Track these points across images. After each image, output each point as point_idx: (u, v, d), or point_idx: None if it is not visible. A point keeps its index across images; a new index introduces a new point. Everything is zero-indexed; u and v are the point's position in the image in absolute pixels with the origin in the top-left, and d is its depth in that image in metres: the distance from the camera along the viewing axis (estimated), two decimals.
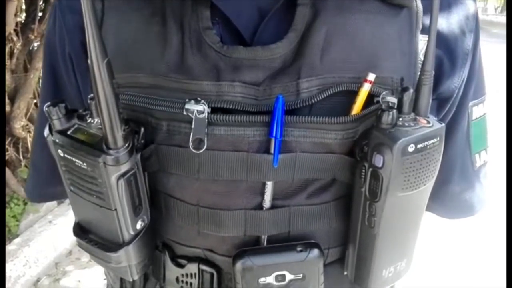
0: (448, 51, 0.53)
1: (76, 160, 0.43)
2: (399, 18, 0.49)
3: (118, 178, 0.43)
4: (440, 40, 0.49)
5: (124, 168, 0.43)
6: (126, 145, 0.43)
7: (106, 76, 0.39)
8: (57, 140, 0.44)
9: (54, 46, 0.56)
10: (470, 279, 2.20)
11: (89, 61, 0.39)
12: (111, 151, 0.42)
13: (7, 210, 2.32)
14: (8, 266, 2.05)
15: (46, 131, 0.46)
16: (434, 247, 2.33)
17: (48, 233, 2.33)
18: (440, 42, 0.50)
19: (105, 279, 0.71)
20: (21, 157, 2.40)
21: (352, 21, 0.48)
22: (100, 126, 0.44)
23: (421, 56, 0.50)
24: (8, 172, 2.31)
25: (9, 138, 2.30)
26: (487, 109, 0.62)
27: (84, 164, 0.43)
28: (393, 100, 0.47)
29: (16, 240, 2.25)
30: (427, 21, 0.50)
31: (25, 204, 2.42)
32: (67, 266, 2.26)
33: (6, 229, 2.28)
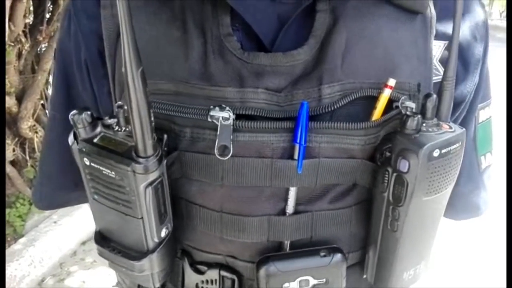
0: (462, 57, 0.53)
1: (104, 169, 0.43)
2: (414, 23, 0.49)
3: (146, 187, 0.43)
4: None
5: (152, 176, 0.43)
6: (156, 153, 0.42)
7: (140, 85, 0.39)
8: (83, 149, 0.44)
9: (69, 53, 0.55)
10: (471, 279, 2.20)
11: (123, 69, 0.38)
12: (140, 160, 0.41)
13: (13, 210, 2.32)
14: (13, 266, 2.06)
15: (71, 139, 0.45)
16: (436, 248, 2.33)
17: (53, 233, 2.33)
18: None
19: (114, 286, 0.69)
20: (27, 157, 2.40)
21: (370, 26, 0.48)
22: (128, 134, 0.44)
23: (435, 62, 0.51)
24: (14, 172, 2.31)
25: (16, 139, 2.30)
26: (493, 112, 0.63)
27: (112, 172, 0.42)
28: (411, 105, 0.47)
29: (22, 240, 2.25)
30: (440, 27, 0.51)
31: (31, 204, 2.41)
32: (71, 266, 2.26)
33: (12, 228, 2.28)
